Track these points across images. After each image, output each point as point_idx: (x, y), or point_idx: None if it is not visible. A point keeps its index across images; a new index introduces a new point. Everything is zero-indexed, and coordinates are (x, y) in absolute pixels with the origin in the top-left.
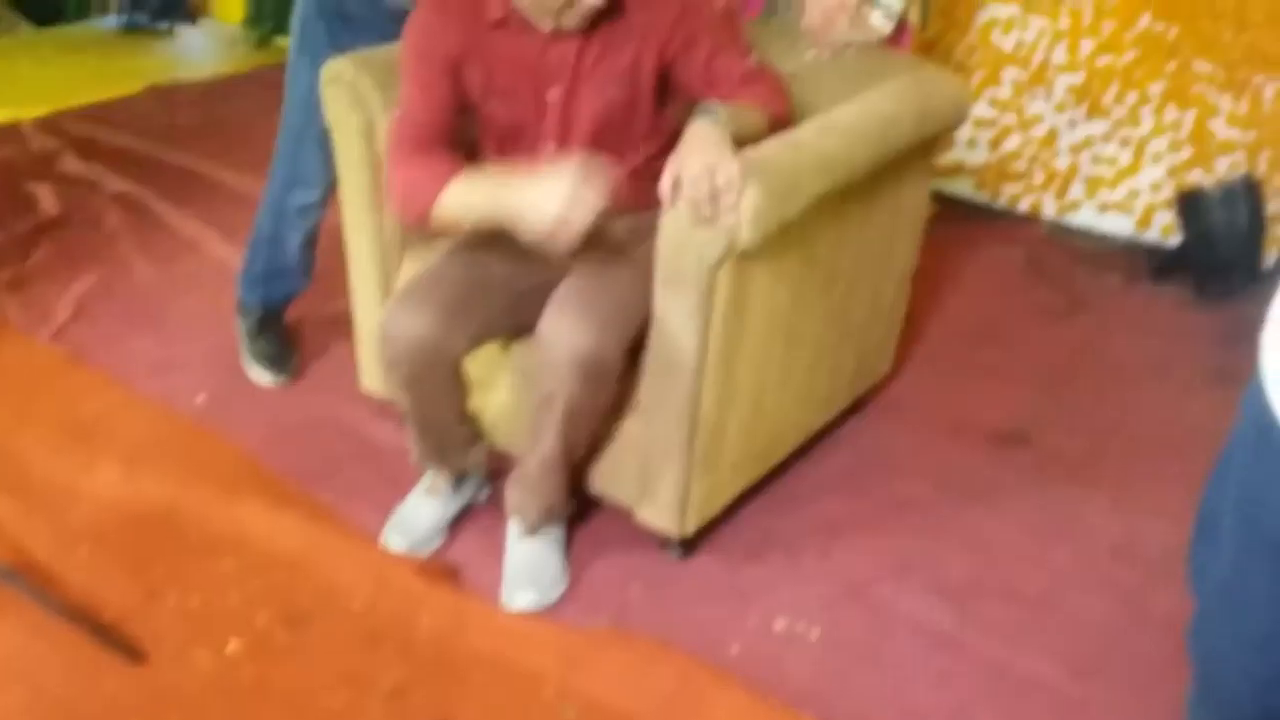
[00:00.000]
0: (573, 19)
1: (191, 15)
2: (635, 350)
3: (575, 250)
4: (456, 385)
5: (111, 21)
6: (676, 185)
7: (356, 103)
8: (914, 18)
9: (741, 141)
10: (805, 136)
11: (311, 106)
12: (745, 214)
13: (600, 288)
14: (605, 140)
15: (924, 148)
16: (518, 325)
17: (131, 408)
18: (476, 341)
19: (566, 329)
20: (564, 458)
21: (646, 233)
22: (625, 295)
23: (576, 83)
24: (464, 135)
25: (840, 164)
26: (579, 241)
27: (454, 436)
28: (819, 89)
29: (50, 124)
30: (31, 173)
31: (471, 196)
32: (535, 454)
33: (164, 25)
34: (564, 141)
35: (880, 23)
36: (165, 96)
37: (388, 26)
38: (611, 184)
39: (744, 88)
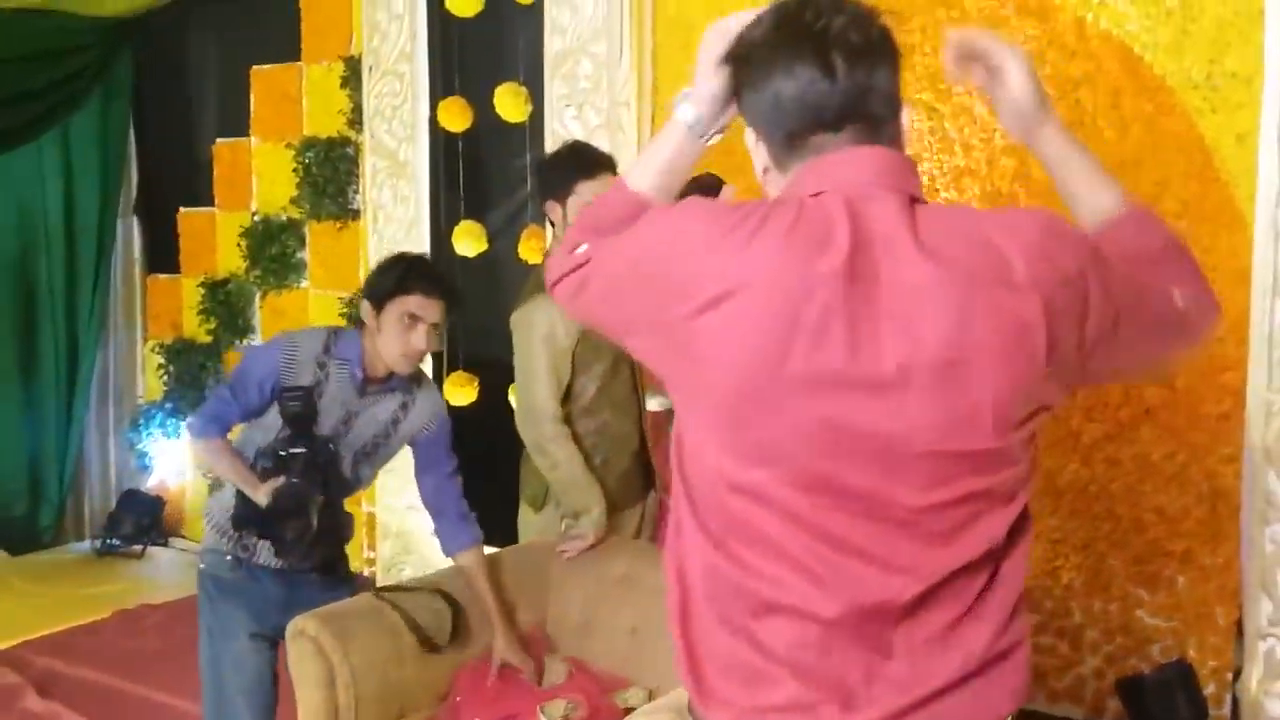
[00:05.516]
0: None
1: (164, 535)
2: None
3: None
4: None
5: (85, 546)
6: None
7: (318, 654)
8: None
9: None
10: None
11: (218, 670)
12: None
13: None
14: None
15: None
16: None
17: None
18: None
19: None
20: None
21: None
22: None
23: None
24: None
25: None
26: None
27: None
28: None
29: (14, 657)
30: None
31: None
32: None
33: (137, 547)
34: None
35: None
36: (131, 621)
37: (267, 590)
38: None
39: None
